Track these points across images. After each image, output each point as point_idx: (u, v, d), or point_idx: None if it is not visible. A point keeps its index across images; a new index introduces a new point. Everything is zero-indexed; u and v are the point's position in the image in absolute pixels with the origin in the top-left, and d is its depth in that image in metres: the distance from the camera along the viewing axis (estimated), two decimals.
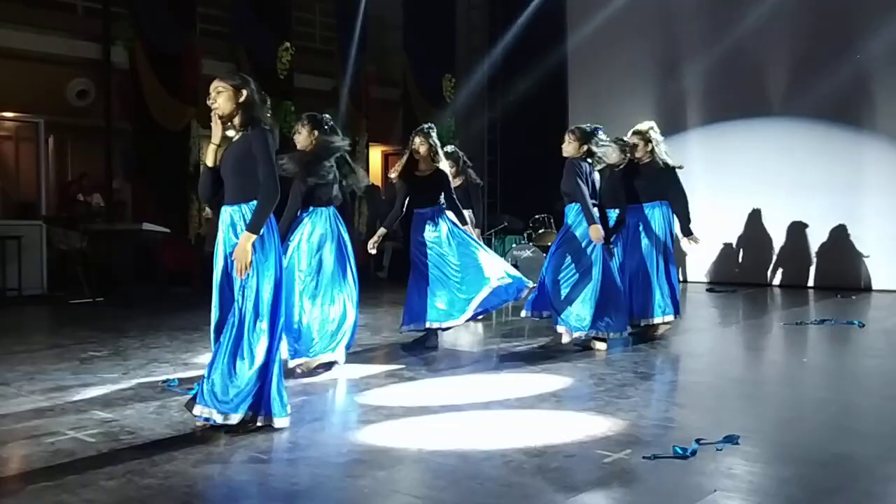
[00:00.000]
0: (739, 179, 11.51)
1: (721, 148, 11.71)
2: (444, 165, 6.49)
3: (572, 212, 6.23)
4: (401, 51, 14.36)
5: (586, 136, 6.19)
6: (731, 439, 3.74)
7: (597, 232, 6.05)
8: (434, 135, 6.42)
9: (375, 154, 15.59)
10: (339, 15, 13.66)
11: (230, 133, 4.10)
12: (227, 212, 4.05)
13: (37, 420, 4.29)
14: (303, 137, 5.44)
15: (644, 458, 3.53)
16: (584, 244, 6.17)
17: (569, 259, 6.23)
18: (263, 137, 4.02)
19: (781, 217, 11.22)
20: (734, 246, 11.75)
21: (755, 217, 11.47)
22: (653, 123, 6.99)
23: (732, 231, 11.70)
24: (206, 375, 3.96)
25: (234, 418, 3.93)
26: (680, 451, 3.57)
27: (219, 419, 3.91)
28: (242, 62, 12.05)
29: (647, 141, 6.84)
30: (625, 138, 7.19)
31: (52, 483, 3.28)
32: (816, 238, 10.98)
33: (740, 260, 11.70)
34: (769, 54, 11.18)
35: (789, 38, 11.01)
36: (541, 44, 13.05)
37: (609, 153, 6.59)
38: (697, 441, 3.70)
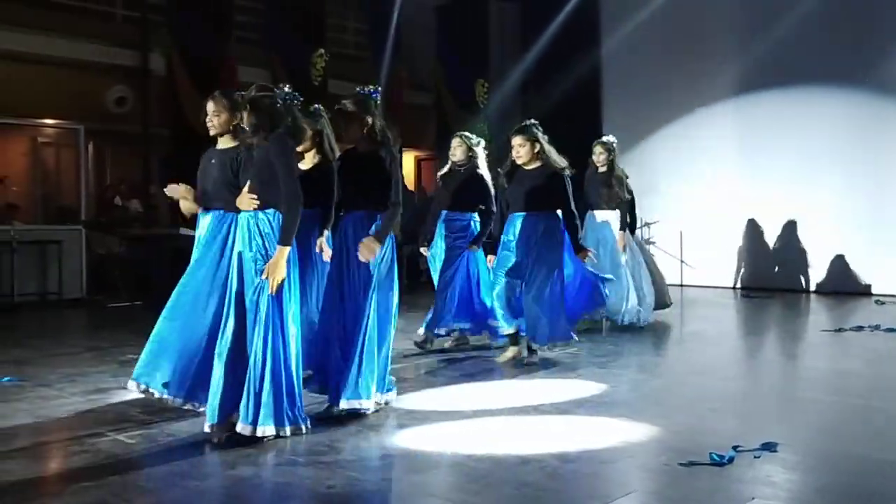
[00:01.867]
0: (776, 184, 11.34)
1: (758, 151, 11.56)
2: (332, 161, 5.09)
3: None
4: (434, 56, 14.41)
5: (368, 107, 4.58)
6: (769, 446, 3.70)
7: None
8: (323, 122, 5.15)
9: (409, 159, 15.66)
10: (372, 21, 13.76)
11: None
12: (242, 217, 4.02)
13: (77, 421, 4.38)
14: None
15: (680, 464, 3.51)
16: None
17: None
18: (283, 145, 3.99)
19: (818, 222, 11.02)
20: (770, 251, 11.58)
21: (791, 222, 11.30)
22: (536, 122, 6.06)
23: (768, 236, 11.55)
24: (285, 393, 3.91)
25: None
26: (717, 458, 3.53)
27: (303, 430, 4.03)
28: (277, 69, 12.17)
29: (534, 142, 5.89)
30: (468, 136, 6.65)
31: (94, 483, 3.34)
32: (853, 243, 10.77)
33: (776, 265, 11.54)
34: (807, 56, 10.97)
35: (828, 36, 10.82)
36: (574, 47, 12.99)
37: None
38: (735, 448, 3.66)
